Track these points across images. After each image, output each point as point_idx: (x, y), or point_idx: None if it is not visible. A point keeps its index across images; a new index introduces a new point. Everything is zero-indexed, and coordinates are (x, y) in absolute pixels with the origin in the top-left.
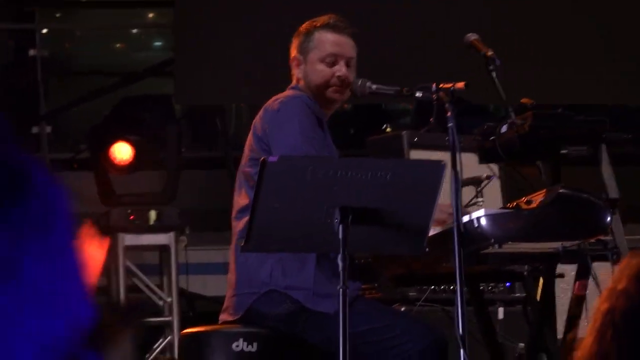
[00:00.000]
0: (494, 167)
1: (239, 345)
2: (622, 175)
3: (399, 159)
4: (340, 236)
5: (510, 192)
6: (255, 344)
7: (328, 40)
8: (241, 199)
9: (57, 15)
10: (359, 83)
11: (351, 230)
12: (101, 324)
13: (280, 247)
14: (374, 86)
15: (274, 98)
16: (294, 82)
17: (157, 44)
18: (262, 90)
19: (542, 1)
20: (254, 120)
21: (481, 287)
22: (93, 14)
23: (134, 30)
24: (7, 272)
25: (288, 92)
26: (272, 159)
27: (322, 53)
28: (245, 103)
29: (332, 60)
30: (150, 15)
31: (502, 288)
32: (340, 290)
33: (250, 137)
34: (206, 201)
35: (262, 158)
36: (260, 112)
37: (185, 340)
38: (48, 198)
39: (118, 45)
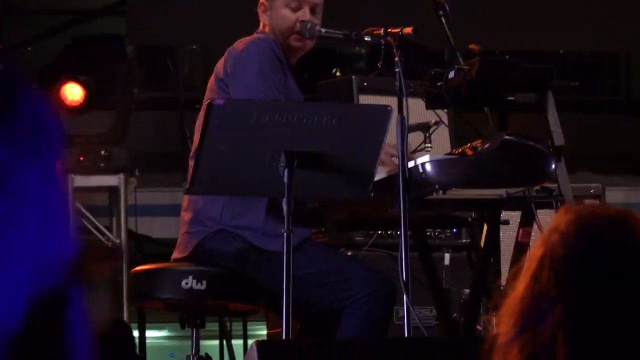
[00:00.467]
0: (443, 113)
1: (189, 282)
2: (569, 122)
3: (345, 104)
4: (285, 180)
5: (458, 139)
6: (204, 282)
7: None
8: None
9: None
10: (308, 26)
11: (296, 175)
12: (84, 258)
13: (225, 191)
14: (323, 30)
15: (240, 40)
16: (260, 27)
17: None
18: (216, 31)
19: None
20: (217, 64)
21: (428, 233)
22: None
23: None
24: (1, 183)
25: (255, 35)
26: (219, 101)
27: None
28: (198, 44)
29: (296, 5)
30: None
31: (448, 234)
32: (285, 234)
33: (212, 79)
34: (156, 143)
35: (208, 101)
36: (225, 55)
37: (135, 278)
38: (39, 114)
39: None
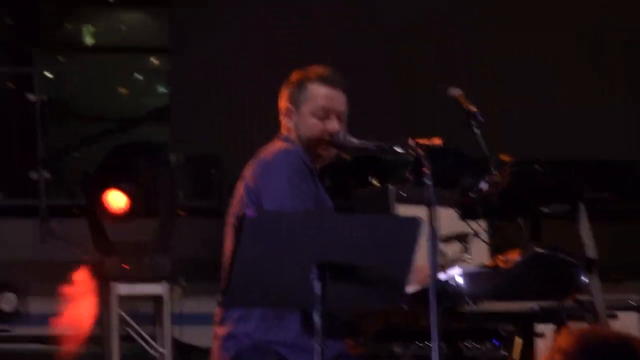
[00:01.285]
0: (482, 222)
1: None
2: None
3: (375, 215)
4: (318, 292)
5: (499, 247)
6: None
7: (320, 94)
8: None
9: (59, 57)
10: (341, 137)
11: (328, 286)
12: None
13: (258, 303)
14: (355, 140)
15: (268, 150)
16: (284, 131)
17: (161, 90)
18: (258, 140)
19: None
20: (245, 172)
21: (468, 345)
22: (94, 58)
23: (138, 76)
24: None
25: (282, 144)
26: (250, 213)
27: (314, 106)
28: (240, 153)
29: (323, 115)
30: (155, 61)
31: (488, 346)
32: (317, 347)
33: (240, 189)
34: (201, 250)
35: (242, 212)
36: (253, 165)
37: None
38: None
39: (119, 90)
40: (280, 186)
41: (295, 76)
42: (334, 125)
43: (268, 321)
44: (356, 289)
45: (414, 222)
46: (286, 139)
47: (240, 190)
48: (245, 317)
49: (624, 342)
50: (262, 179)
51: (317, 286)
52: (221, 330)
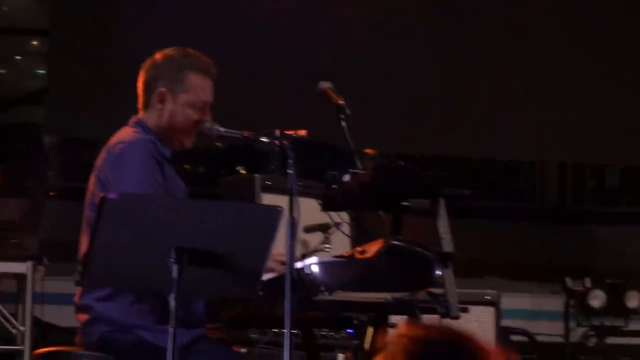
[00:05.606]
0: (344, 214)
1: None
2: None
3: (236, 202)
4: (174, 276)
5: (362, 239)
6: None
7: (200, 86)
8: (83, 246)
9: None
10: (208, 126)
11: (186, 272)
12: None
13: (116, 285)
14: (222, 129)
15: (115, 140)
16: (142, 114)
17: (42, 72)
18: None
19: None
20: (97, 161)
21: (323, 333)
22: None
23: (17, 58)
24: None
25: (129, 134)
26: (112, 195)
27: (194, 98)
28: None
29: (202, 106)
30: (34, 43)
31: (344, 335)
32: (171, 330)
33: (92, 178)
34: (69, 231)
35: (102, 195)
36: (103, 154)
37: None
38: None
39: None
40: (128, 179)
41: (168, 58)
42: (209, 117)
43: (128, 305)
44: (213, 275)
45: (275, 211)
46: (138, 125)
47: (92, 180)
48: (105, 301)
49: (456, 338)
50: (111, 171)
51: (174, 271)
52: (83, 317)
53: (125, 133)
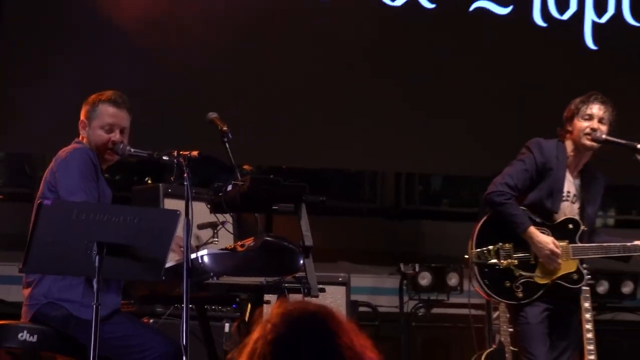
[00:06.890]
0: (228, 215)
1: (23, 335)
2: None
3: (144, 207)
4: (96, 265)
5: (242, 235)
6: (35, 336)
7: (107, 112)
8: None
9: None
10: (121, 147)
11: (105, 261)
12: None
13: (50, 271)
14: (132, 150)
15: (63, 150)
16: (80, 137)
17: None
18: (67, 142)
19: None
20: (47, 169)
21: (212, 308)
22: None
23: None
24: None
25: (74, 145)
26: (47, 202)
27: (102, 122)
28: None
29: (109, 128)
30: None
31: (229, 309)
32: (94, 306)
33: (42, 183)
34: (15, 227)
35: (39, 201)
36: (52, 162)
37: None
38: None
39: None
40: (73, 178)
41: (91, 97)
42: (116, 136)
43: (59, 284)
44: (126, 263)
45: (173, 214)
46: (79, 143)
47: (41, 188)
48: (42, 281)
49: (318, 310)
50: (59, 172)
51: (96, 260)
52: (26, 292)
53: (71, 147)
